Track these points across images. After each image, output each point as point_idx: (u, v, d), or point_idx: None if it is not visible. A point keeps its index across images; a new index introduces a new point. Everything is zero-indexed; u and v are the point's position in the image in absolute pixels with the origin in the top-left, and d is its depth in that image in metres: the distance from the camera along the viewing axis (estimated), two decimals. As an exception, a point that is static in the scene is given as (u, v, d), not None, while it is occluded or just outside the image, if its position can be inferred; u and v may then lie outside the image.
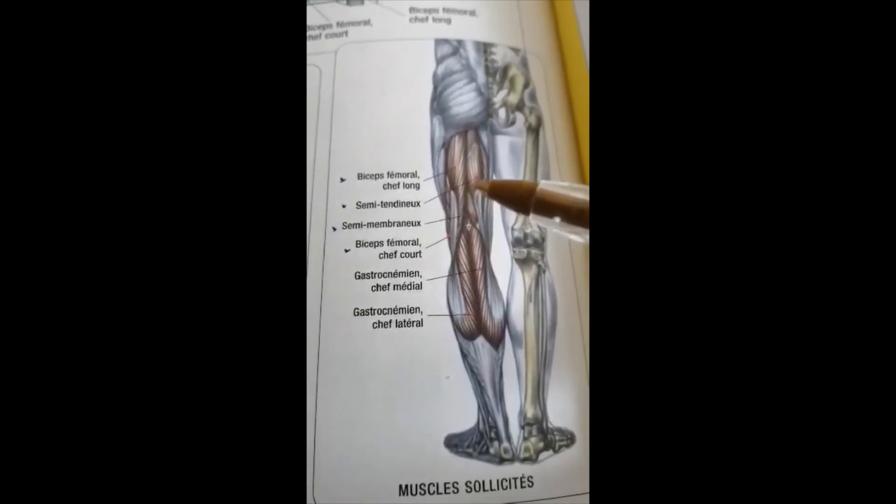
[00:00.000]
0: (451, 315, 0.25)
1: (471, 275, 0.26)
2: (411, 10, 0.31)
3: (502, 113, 0.29)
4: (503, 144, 0.28)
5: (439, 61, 0.30)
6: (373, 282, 0.25)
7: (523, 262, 0.26)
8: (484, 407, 0.24)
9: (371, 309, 0.25)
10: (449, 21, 0.31)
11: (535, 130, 0.29)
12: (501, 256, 0.26)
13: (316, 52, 0.29)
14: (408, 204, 0.27)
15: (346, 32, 0.30)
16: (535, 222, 0.20)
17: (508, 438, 0.24)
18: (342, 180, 0.27)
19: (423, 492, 0.23)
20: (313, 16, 0.31)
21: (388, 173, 0.27)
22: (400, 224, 0.26)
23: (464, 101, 0.29)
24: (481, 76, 0.29)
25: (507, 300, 0.26)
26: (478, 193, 0.27)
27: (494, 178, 0.28)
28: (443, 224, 0.26)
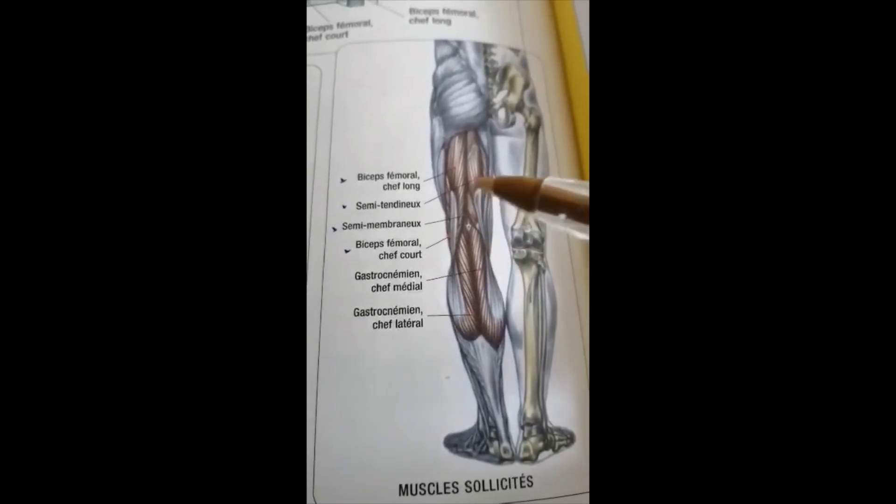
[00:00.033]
0: (451, 315, 0.25)
1: (470, 275, 0.26)
2: (411, 10, 0.31)
3: (502, 113, 0.29)
4: (503, 145, 0.28)
5: (439, 62, 0.30)
6: (373, 282, 0.25)
7: (523, 263, 0.26)
8: (484, 407, 0.24)
9: (371, 309, 0.25)
10: (449, 22, 0.31)
11: (534, 131, 0.29)
12: (501, 257, 0.26)
13: (316, 52, 0.29)
14: (408, 204, 0.27)
15: (347, 33, 0.30)
16: (539, 219, 0.20)
17: (508, 438, 0.24)
18: (342, 181, 0.27)
19: (422, 492, 0.23)
20: (314, 17, 0.31)
21: (388, 174, 0.27)
22: (400, 224, 0.26)
23: (464, 102, 0.29)
24: (481, 77, 0.29)
25: (507, 300, 0.26)
26: (478, 193, 0.27)
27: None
28: (443, 224, 0.26)
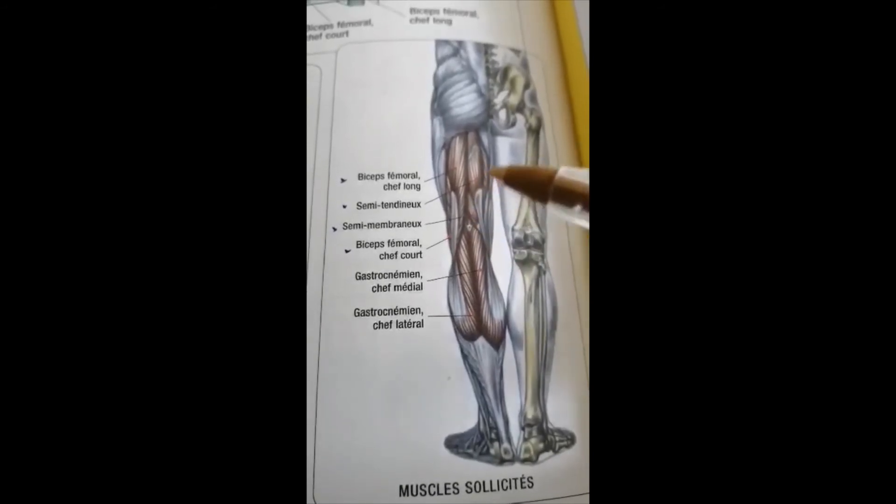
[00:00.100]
0: (452, 316, 0.25)
1: (471, 276, 0.26)
2: (412, 10, 0.31)
3: (503, 114, 0.29)
4: (504, 145, 0.28)
5: (440, 62, 0.30)
6: (373, 282, 0.25)
7: (523, 263, 0.26)
8: (484, 407, 0.24)
9: (372, 309, 0.25)
10: (450, 22, 0.31)
11: (535, 132, 0.29)
12: (502, 257, 0.26)
13: (316, 52, 0.29)
14: (408, 205, 0.27)
15: (347, 33, 0.30)
16: (552, 211, 0.19)
17: (509, 439, 0.24)
18: (343, 181, 0.27)
19: (423, 492, 0.23)
20: (314, 16, 0.31)
21: (388, 174, 0.27)
22: (400, 225, 0.26)
23: (464, 102, 0.29)
24: (482, 77, 0.29)
25: (508, 301, 0.26)
26: (478, 194, 0.27)
27: (495, 178, 0.28)
28: (443, 225, 0.26)
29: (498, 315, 0.25)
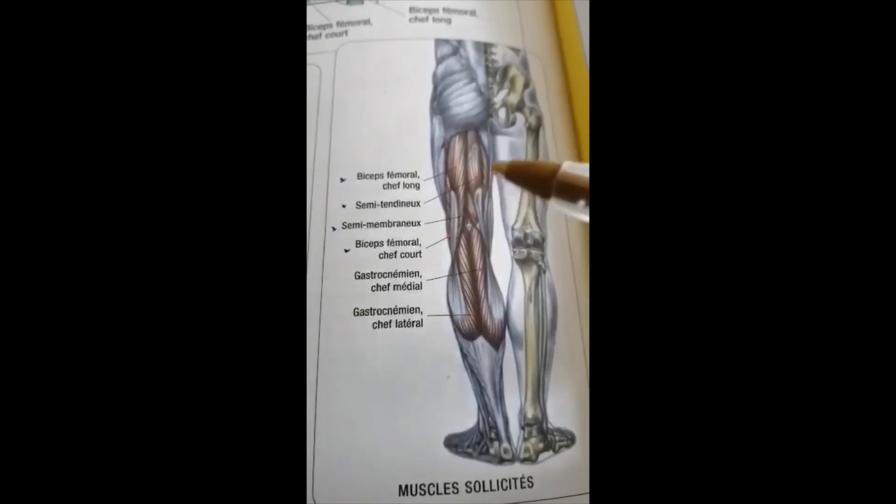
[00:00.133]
0: (452, 315, 0.25)
1: (471, 275, 0.26)
2: (411, 9, 0.31)
3: (502, 113, 0.29)
4: (503, 145, 0.28)
5: (439, 61, 0.30)
6: (373, 282, 0.25)
7: (523, 263, 0.26)
8: (484, 407, 0.24)
9: (371, 309, 0.25)
10: (449, 21, 0.31)
11: (535, 131, 0.29)
12: (501, 257, 0.26)
13: (316, 51, 0.29)
14: (408, 204, 0.27)
15: (347, 32, 0.30)
16: (554, 206, 0.19)
17: (508, 439, 0.24)
18: (342, 180, 0.27)
19: (422, 492, 0.23)
20: (313, 15, 0.31)
21: (388, 173, 0.27)
22: (400, 224, 0.26)
23: (464, 102, 0.29)
24: (481, 76, 0.29)
25: (507, 300, 0.26)
26: (478, 193, 0.27)
27: (495, 178, 0.28)
28: (443, 224, 0.26)
29: (497, 314, 0.25)
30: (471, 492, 0.23)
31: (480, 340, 0.25)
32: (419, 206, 0.27)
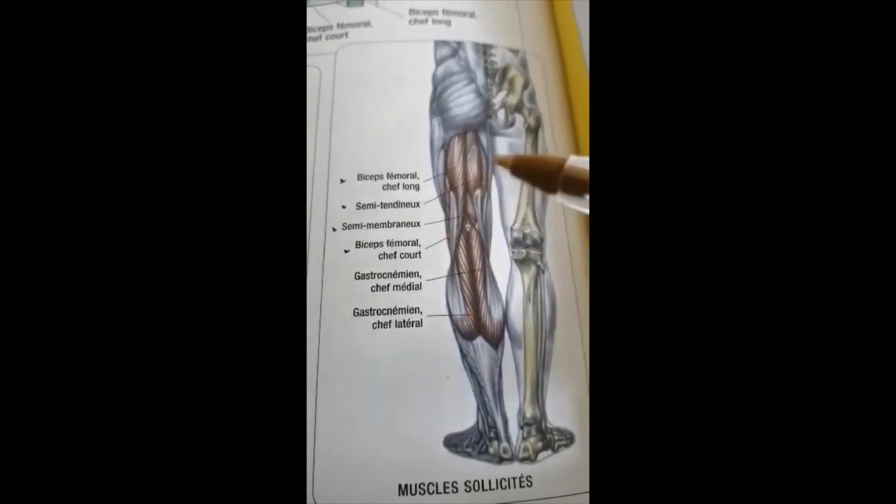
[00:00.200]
0: (451, 315, 0.25)
1: (470, 275, 0.26)
2: (411, 11, 0.31)
3: (501, 114, 0.29)
4: (502, 145, 0.28)
5: (439, 63, 0.30)
6: (372, 282, 0.25)
7: (522, 263, 0.26)
8: (483, 407, 0.24)
9: (371, 309, 0.25)
10: (448, 23, 0.31)
11: (534, 131, 0.29)
12: (500, 257, 0.26)
13: (316, 53, 0.29)
14: (407, 205, 0.27)
15: (347, 34, 0.30)
16: (560, 200, 0.19)
17: (507, 438, 0.24)
18: (342, 181, 0.27)
19: (422, 491, 0.23)
20: (313, 17, 0.31)
21: (387, 174, 0.27)
22: (400, 225, 0.26)
23: (463, 103, 0.29)
24: (481, 77, 0.30)
25: (507, 300, 0.26)
26: (477, 194, 0.27)
27: (494, 179, 0.28)
28: (442, 225, 0.26)
29: (497, 314, 0.25)
30: (470, 491, 0.23)
31: (479, 340, 0.25)
32: (419, 206, 0.27)
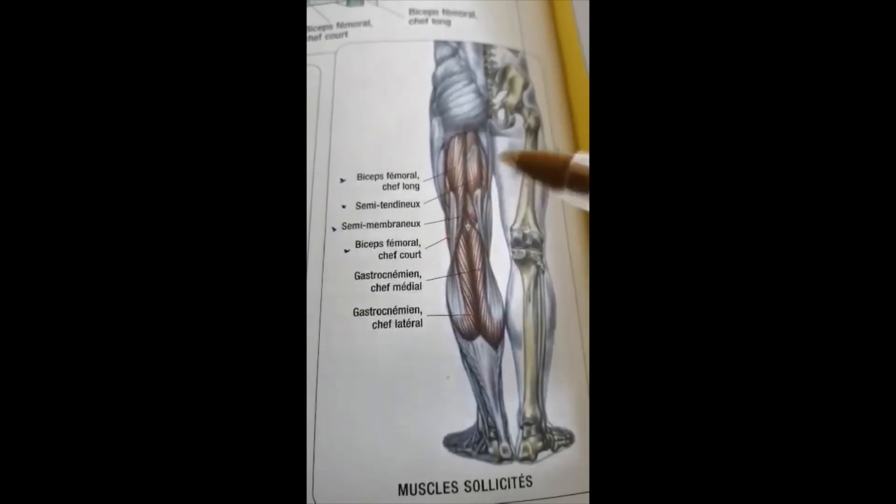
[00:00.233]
0: (451, 315, 0.25)
1: (470, 275, 0.26)
2: (411, 11, 0.31)
3: (501, 114, 0.29)
4: (502, 145, 0.28)
5: (439, 62, 0.30)
6: (372, 282, 0.25)
7: (522, 263, 0.26)
8: (483, 407, 0.24)
9: (371, 309, 0.25)
10: (448, 23, 0.31)
11: (534, 132, 0.29)
12: (500, 257, 0.26)
13: (316, 52, 0.29)
14: (407, 204, 0.27)
15: (346, 33, 0.30)
16: (565, 198, 0.19)
17: (507, 438, 0.24)
18: (342, 181, 0.27)
19: (422, 491, 0.23)
20: (313, 17, 0.31)
21: (387, 174, 0.27)
22: (399, 224, 0.26)
23: (463, 103, 0.29)
24: (480, 77, 0.30)
25: (506, 300, 0.26)
26: (477, 194, 0.27)
27: (494, 179, 0.28)
28: (442, 225, 0.26)
29: (496, 314, 0.25)
30: (470, 491, 0.23)
31: (479, 340, 0.25)
32: (419, 206, 0.27)
